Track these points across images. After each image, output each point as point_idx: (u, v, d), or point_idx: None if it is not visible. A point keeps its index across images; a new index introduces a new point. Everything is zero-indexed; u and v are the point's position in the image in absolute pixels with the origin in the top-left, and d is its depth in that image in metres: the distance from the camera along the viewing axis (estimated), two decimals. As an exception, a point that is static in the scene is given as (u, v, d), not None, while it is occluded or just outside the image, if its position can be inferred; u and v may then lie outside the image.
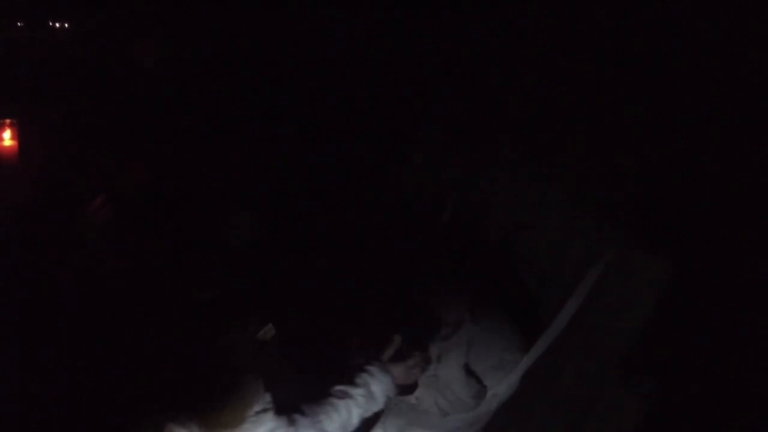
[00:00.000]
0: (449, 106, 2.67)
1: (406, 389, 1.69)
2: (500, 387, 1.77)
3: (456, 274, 2.29)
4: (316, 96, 3.16)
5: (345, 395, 1.47)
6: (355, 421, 1.45)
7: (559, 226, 2.04)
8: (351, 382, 1.51)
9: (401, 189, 2.82)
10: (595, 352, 1.56)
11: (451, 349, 1.83)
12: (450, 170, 2.63)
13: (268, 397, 1.37)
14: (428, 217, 2.67)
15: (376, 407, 1.52)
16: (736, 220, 1.50)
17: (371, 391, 1.51)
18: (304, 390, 1.52)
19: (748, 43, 1.52)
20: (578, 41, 2.04)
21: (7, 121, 3.02)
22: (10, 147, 3.03)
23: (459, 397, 1.82)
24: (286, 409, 1.39)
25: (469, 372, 1.86)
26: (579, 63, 2.02)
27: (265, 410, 1.34)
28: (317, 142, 3.09)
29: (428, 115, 2.77)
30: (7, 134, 3.03)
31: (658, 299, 1.48)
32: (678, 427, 1.44)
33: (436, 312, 1.94)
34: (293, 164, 3.05)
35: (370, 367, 1.56)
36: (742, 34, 1.54)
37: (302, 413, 1.40)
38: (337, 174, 2.97)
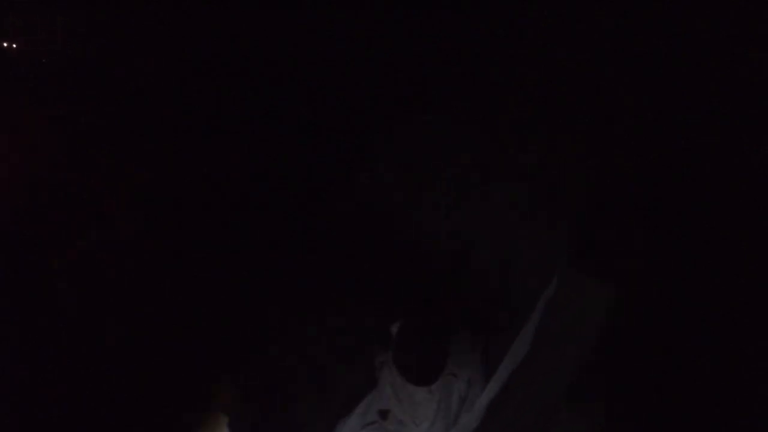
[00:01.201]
0: (449, 106, 2.67)
1: None
2: (467, 419, 1.82)
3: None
4: (316, 96, 3.16)
5: None
6: None
7: (508, 242, 2.06)
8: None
9: (401, 191, 2.82)
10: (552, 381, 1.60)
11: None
12: (449, 170, 2.64)
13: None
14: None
15: None
16: (735, 218, 1.50)
17: None
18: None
19: (748, 43, 1.52)
20: (578, 41, 2.04)
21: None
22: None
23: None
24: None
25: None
26: (579, 63, 2.02)
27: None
28: (317, 142, 3.09)
29: (428, 114, 2.77)
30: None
31: (611, 314, 1.51)
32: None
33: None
34: (293, 164, 3.05)
35: None
36: (742, 34, 1.54)
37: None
38: (337, 174, 2.97)
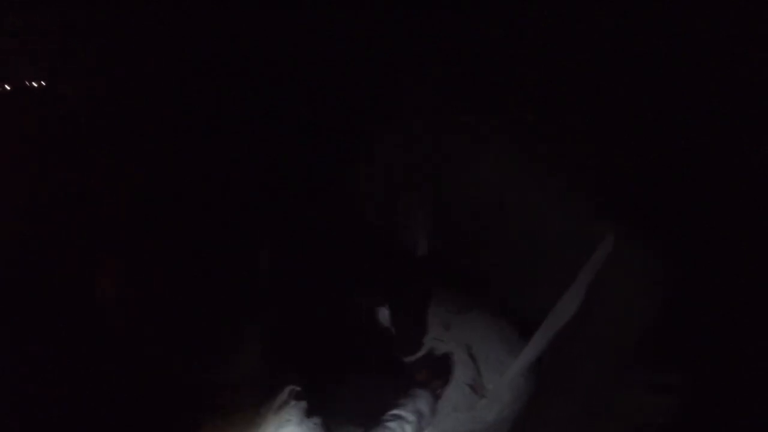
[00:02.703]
0: (449, 105, 2.67)
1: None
2: (501, 390, 1.80)
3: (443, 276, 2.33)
4: (316, 96, 3.16)
5: (397, 417, 1.65)
6: None
7: (554, 220, 2.06)
8: (400, 405, 1.70)
9: (401, 190, 2.82)
10: (610, 349, 1.58)
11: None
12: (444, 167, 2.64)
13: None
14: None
15: (426, 423, 1.70)
16: (735, 218, 1.50)
17: (419, 410, 1.68)
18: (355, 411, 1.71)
19: (748, 43, 1.52)
20: (578, 41, 2.04)
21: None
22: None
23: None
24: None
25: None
26: (579, 63, 2.02)
27: None
28: (317, 142, 3.09)
29: (428, 115, 2.77)
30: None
31: (660, 295, 1.50)
32: (700, 421, 1.45)
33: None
34: (293, 164, 3.05)
35: (415, 390, 1.75)
36: (742, 34, 1.54)
37: None
38: (337, 174, 2.97)
